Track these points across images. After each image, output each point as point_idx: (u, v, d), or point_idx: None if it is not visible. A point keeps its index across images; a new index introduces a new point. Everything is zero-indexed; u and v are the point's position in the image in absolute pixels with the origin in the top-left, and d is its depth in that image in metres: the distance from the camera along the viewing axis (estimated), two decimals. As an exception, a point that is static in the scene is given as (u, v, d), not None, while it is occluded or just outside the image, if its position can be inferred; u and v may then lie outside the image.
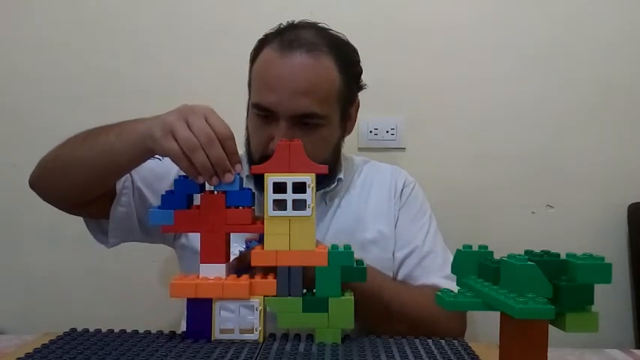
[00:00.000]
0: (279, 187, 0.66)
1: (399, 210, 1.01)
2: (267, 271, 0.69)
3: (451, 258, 0.63)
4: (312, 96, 0.88)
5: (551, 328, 0.53)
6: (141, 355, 0.60)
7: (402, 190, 1.03)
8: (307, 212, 0.66)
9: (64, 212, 0.92)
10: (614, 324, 1.31)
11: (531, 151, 1.34)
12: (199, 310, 0.67)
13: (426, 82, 1.34)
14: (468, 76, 1.34)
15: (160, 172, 0.94)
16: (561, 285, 0.52)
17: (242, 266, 0.71)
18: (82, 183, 0.84)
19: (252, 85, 0.94)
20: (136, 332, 0.70)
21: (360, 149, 1.33)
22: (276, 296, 0.67)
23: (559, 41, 1.34)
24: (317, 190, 0.76)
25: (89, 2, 1.37)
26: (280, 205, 0.66)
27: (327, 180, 0.97)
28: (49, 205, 0.90)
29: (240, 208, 0.69)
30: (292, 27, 0.94)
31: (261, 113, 0.90)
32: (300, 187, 0.66)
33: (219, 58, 1.34)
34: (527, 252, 0.56)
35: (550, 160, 1.34)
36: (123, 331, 0.70)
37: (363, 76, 1.00)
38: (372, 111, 1.22)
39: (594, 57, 1.34)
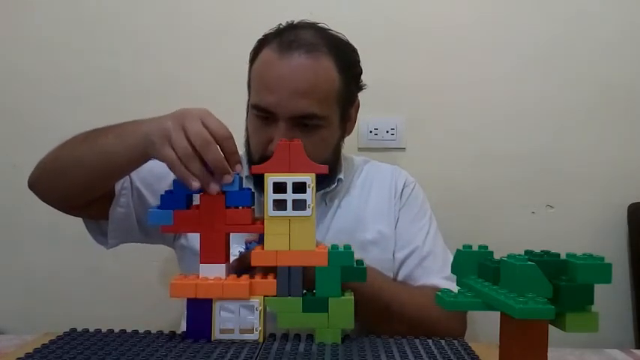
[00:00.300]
0: (279, 187, 0.66)
1: (399, 210, 1.01)
2: (267, 271, 0.69)
3: (451, 258, 0.63)
4: (312, 97, 0.88)
5: (551, 328, 0.53)
6: (141, 355, 0.60)
7: (402, 191, 1.03)
8: (307, 212, 0.66)
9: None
10: (614, 324, 1.31)
11: (531, 151, 1.34)
12: (199, 310, 0.67)
13: (426, 82, 1.34)
14: (468, 76, 1.34)
15: (159, 173, 0.94)
16: (561, 285, 0.52)
17: (242, 267, 0.71)
18: (81, 184, 0.84)
19: (252, 85, 0.94)
20: (136, 332, 0.70)
21: (360, 149, 1.33)
22: (276, 296, 0.67)
23: (559, 41, 1.34)
24: (317, 191, 0.76)
25: (89, 2, 1.37)
26: (280, 205, 0.66)
27: (327, 180, 0.97)
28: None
29: (240, 208, 0.69)
30: (292, 27, 0.94)
31: (261, 114, 0.90)
32: (300, 187, 0.66)
33: (219, 58, 1.34)
34: (527, 252, 0.56)
35: (550, 160, 1.34)
36: (123, 331, 0.70)
37: (363, 76, 0.99)
38: (372, 111, 1.22)
39: (594, 57, 1.34)
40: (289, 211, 0.66)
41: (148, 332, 0.70)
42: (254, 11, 1.33)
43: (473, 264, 0.61)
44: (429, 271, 0.95)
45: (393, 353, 0.62)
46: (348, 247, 0.68)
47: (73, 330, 0.71)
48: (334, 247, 0.68)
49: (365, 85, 1.00)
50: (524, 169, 1.34)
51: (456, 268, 0.62)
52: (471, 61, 1.34)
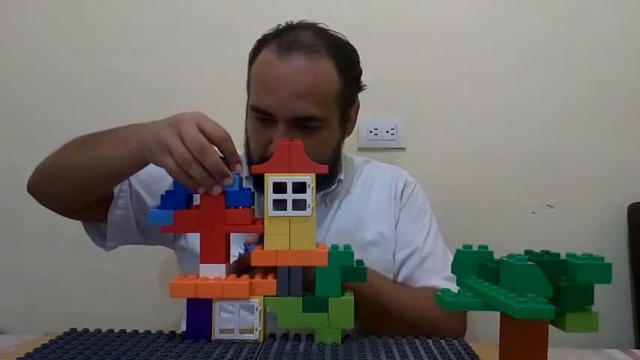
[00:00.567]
0: (279, 187, 0.66)
1: (399, 211, 1.01)
2: (267, 271, 0.69)
3: (451, 258, 0.63)
4: (311, 98, 0.87)
5: (551, 328, 0.53)
6: (141, 355, 0.60)
7: (402, 191, 1.03)
8: (307, 212, 0.66)
9: (63, 214, 0.92)
10: (614, 324, 1.31)
11: (531, 151, 1.34)
12: (199, 310, 0.67)
13: (426, 82, 1.34)
14: (468, 76, 1.34)
15: (158, 175, 0.93)
16: (561, 285, 0.52)
17: (241, 269, 0.71)
18: (80, 187, 0.84)
19: (251, 87, 0.94)
20: (136, 332, 0.70)
21: (360, 149, 1.33)
22: (276, 296, 0.67)
23: (559, 41, 1.34)
24: (317, 192, 0.76)
25: (89, 2, 1.37)
26: (280, 205, 0.66)
27: (327, 181, 0.96)
28: (48, 206, 0.90)
29: (240, 208, 0.69)
30: (291, 28, 0.93)
31: (260, 116, 0.90)
32: (300, 187, 0.66)
33: (219, 58, 1.34)
34: (527, 252, 0.56)
35: (550, 160, 1.34)
36: (123, 331, 0.70)
37: (363, 77, 0.99)
38: (372, 111, 1.22)
39: (594, 57, 1.34)
40: (289, 211, 0.66)
41: (148, 332, 0.70)
42: (254, 11, 1.33)
43: (473, 264, 0.61)
44: (430, 271, 0.95)
45: (393, 353, 0.62)
46: (348, 247, 0.68)
47: (73, 330, 0.71)
48: (334, 247, 0.68)
49: (365, 85, 1.00)
50: (524, 169, 1.34)
51: (456, 268, 0.62)
52: (471, 61, 1.34)
